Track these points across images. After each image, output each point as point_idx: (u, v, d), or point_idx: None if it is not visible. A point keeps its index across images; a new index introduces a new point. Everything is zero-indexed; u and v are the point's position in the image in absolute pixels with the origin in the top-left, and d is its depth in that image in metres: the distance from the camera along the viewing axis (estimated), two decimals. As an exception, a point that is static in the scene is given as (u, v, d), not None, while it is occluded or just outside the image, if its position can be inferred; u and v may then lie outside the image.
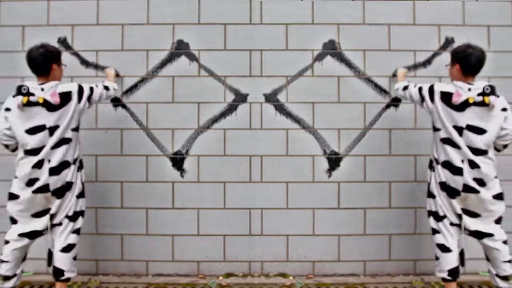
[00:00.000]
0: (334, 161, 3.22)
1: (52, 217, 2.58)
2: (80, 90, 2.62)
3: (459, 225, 2.60)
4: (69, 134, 2.57)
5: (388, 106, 3.23)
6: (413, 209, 3.21)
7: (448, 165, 2.56)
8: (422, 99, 2.68)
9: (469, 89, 2.47)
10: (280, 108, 3.22)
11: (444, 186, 2.59)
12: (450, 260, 2.59)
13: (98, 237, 3.20)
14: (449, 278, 2.60)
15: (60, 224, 2.61)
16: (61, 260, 2.60)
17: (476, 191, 2.50)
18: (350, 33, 3.22)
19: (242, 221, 3.22)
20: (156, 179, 3.21)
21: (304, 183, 3.21)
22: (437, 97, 2.57)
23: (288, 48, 3.22)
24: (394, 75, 3.16)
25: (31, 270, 3.08)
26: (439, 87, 2.60)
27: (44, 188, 2.51)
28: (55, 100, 2.49)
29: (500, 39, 3.19)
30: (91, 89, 2.71)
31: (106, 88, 2.85)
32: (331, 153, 3.23)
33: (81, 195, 2.70)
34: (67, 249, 2.61)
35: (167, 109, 3.21)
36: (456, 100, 2.48)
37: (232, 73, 3.22)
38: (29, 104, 2.45)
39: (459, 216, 2.58)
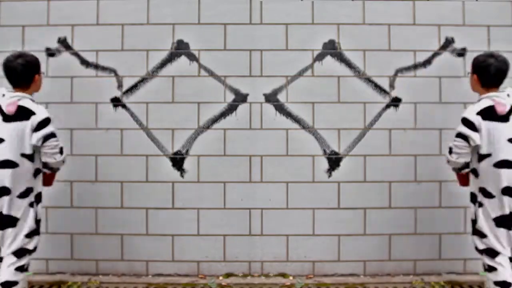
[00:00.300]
0: (334, 161, 3.22)
1: None
2: (46, 121, 2.31)
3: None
4: (16, 158, 2.26)
5: (388, 106, 3.23)
6: (413, 209, 3.21)
7: (509, 191, 2.27)
8: (467, 140, 2.33)
9: (508, 95, 2.28)
10: (280, 108, 3.22)
11: (503, 220, 2.29)
12: None
13: (98, 237, 3.20)
14: None
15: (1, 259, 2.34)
16: None
17: None
18: (350, 33, 3.22)
19: (242, 221, 3.22)
20: (156, 179, 3.21)
21: (304, 183, 3.21)
22: (477, 122, 2.28)
23: (288, 48, 3.22)
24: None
25: (31, 270, 3.08)
26: (472, 112, 2.30)
27: None
28: (9, 109, 2.23)
29: (500, 39, 3.18)
30: (53, 135, 2.36)
31: (61, 151, 2.44)
32: (331, 153, 3.23)
33: (33, 233, 2.39)
34: (5, 285, 2.29)
35: (167, 109, 3.21)
36: (503, 109, 2.23)
37: (232, 73, 3.22)
38: None
39: None
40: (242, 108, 3.22)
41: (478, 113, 2.30)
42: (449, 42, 3.21)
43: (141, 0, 3.22)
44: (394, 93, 3.21)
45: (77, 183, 3.19)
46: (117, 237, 3.21)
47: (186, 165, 3.22)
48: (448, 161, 2.52)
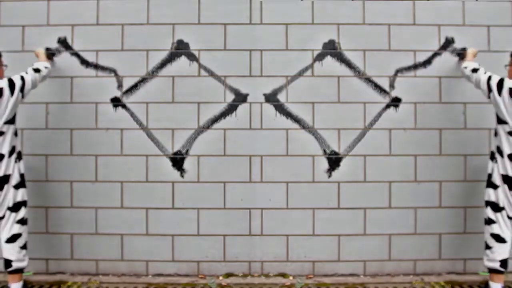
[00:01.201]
0: (334, 161, 3.22)
1: None
2: (11, 84, 2.67)
3: None
4: (2, 127, 2.62)
5: (388, 106, 3.23)
6: (413, 209, 3.21)
7: None
8: (489, 89, 2.70)
9: None
10: (280, 108, 3.22)
11: (507, 178, 2.66)
12: (504, 251, 2.68)
13: (98, 237, 3.20)
14: (501, 269, 2.68)
15: (3, 217, 2.69)
16: (7, 250, 2.68)
17: None
18: (350, 33, 3.22)
19: (242, 221, 3.21)
20: (156, 179, 3.21)
21: (304, 183, 3.21)
22: (505, 91, 2.62)
23: (288, 48, 3.22)
24: (459, 54, 3.17)
25: (31, 270, 3.08)
26: (508, 83, 2.64)
27: None
28: None
29: (500, 39, 3.19)
30: (22, 78, 2.73)
31: (37, 70, 2.84)
32: (331, 153, 3.22)
33: (20, 185, 2.74)
34: (11, 239, 2.68)
35: (167, 109, 3.21)
36: None
37: (232, 73, 3.22)
38: None
39: None
40: (242, 108, 3.22)
41: (510, 88, 2.62)
42: (449, 42, 3.21)
43: (141, 0, 3.22)
44: (394, 93, 3.21)
45: (77, 183, 3.19)
46: (117, 237, 3.21)
47: (186, 165, 3.22)
48: (465, 67, 2.96)
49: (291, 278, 3.16)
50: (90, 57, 3.21)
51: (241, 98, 3.22)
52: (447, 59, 3.21)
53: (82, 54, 3.21)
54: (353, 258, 3.22)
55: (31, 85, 2.79)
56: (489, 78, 2.73)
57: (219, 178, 3.21)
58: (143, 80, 3.22)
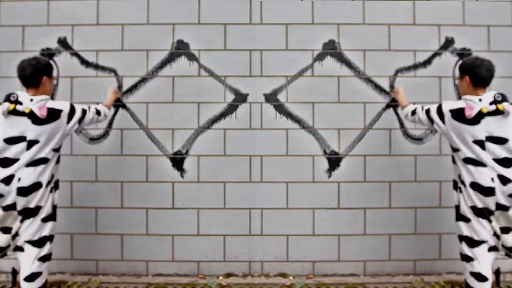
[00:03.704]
0: (334, 161, 3.22)
1: (14, 237, 2.42)
2: (72, 111, 2.53)
3: (495, 248, 2.44)
4: (48, 154, 2.44)
5: (388, 106, 3.23)
6: (413, 209, 3.21)
7: (477, 187, 2.41)
8: (432, 121, 2.58)
9: (480, 100, 2.39)
10: (280, 108, 3.22)
11: (476, 209, 2.44)
12: None
13: (98, 237, 3.20)
14: None
15: (22, 249, 2.43)
16: None
17: (507, 209, 2.38)
18: (350, 33, 3.22)
19: (242, 221, 3.22)
20: (156, 179, 3.21)
21: (304, 183, 3.21)
22: (447, 117, 2.48)
23: (288, 48, 3.23)
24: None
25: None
26: (447, 106, 2.49)
27: (11, 207, 2.37)
28: (42, 113, 2.38)
29: (500, 39, 3.19)
30: (84, 111, 2.61)
31: (98, 113, 2.74)
32: (331, 153, 3.23)
33: (49, 218, 2.51)
34: (30, 278, 2.40)
35: (167, 109, 3.21)
36: (470, 113, 2.38)
37: (232, 73, 3.22)
38: (15, 113, 2.36)
39: (497, 237, 2.42)
40: (242, 108, 3.22)
41: (450, 110, 2.47)
42: (449, 42, 3.21)
43: (141, 0, 3.22)
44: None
45: (77, 183, 3.19)
46: (117, 237, 3.21)
47: (186, 165, 3.22)
48: (405, 115, 2.86)
49: (291, 278, 3.16)
50: (90, 57, 3.21)
51: (241, 98, 3.22)
52: (447, 59, 3.21)
53: (82, 54, 3.21)
54: (353, 258, 3.22)
55: (88, 122, 2.66)
56: (428, 111, 2.60)
57: (219, 178, 3.21)
58: (143, 80, 3.22)
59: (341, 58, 3.23)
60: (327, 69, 3.22)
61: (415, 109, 2.74)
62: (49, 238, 2.52)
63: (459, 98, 2.66)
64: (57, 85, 3.17)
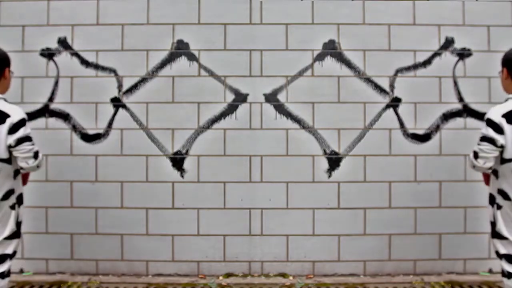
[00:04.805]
0: (334, 161, 3.22)
1: None
2: (21, 123, 2.14)
3: None
4: None
5: (388, 106, 3.23)
6: (413, 209, 3.21)
7: None
8: (493, 142, 2.13)
9: None
10: (280, 108, 3.22)
11: None
12: None
13: (98, 237, 3.20)
14: None
15: None
16: None
17: None
18: (350, 33, 3.22)
19: (242, 221, 3.21)
20: (156, 179, 3.21)
21: (304, 183, 3.21)
22: (504, 123, 2.10)
23: (288, 48, 3.22)
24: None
25: (31, 270, 3.08)
26: (496, 113, 2.12)
27: None
28: None
29: (500, 39, 3.18)
30: (30, 138, 2.19)
31: (36, 155, 2.22)
32: (331, 153, 3.22)
33: (13, 236, 2.25)
34: None
35: (167, 109, 3.21)
36: None
37: (232, 73, 3.22)
38: None
39: None
40: (242, 108, 3.22)
41: (503, 115, 2.12)
42: (449, 42, 3.21)
43: (141, 0, 3.22)
44: (394, 93, 3.21)
45: (77, 183, 3.19)
46: (117, 237, 3.21)
47: (186, 165, 3.22)
48: (474, 166, 2.27)
49: (291, 278, 3.16)
50: (90, 57, 3.21)
51: (241, 98, 3.22)
52: (447, 59, 3.21)
53: (82, 54, 3.21)
54: (353, 258, 3.22)
55: (21, 152, 2.17)
56: (482, 138, 2.19)
57: (219, 178, 3.21)
58: (143, 80, 3.22)
59: (341, 58, 3.23)
60: (327, 69, 3.22)
61: (474, 150, 2.24)
62: (11, 256, 2.26)
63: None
64: (57, 85, 3.18)
